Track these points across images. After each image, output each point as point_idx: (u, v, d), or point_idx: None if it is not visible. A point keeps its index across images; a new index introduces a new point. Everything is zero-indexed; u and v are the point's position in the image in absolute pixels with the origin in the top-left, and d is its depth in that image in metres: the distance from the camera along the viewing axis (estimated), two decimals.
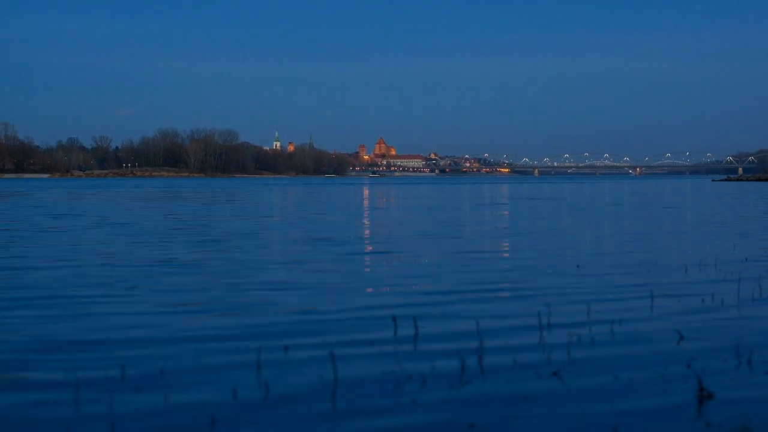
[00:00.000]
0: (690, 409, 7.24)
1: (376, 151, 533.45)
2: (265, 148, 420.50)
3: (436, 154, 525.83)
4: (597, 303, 12.55)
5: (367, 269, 18.01)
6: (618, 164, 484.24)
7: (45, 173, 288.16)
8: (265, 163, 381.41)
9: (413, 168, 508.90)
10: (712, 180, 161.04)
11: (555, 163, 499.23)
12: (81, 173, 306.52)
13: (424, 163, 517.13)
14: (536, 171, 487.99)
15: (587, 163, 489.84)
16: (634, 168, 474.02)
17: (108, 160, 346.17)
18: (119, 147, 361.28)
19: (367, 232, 29.87)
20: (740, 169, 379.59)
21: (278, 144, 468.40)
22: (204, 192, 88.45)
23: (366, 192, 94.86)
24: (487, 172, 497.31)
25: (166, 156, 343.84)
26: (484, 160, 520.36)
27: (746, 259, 18.59)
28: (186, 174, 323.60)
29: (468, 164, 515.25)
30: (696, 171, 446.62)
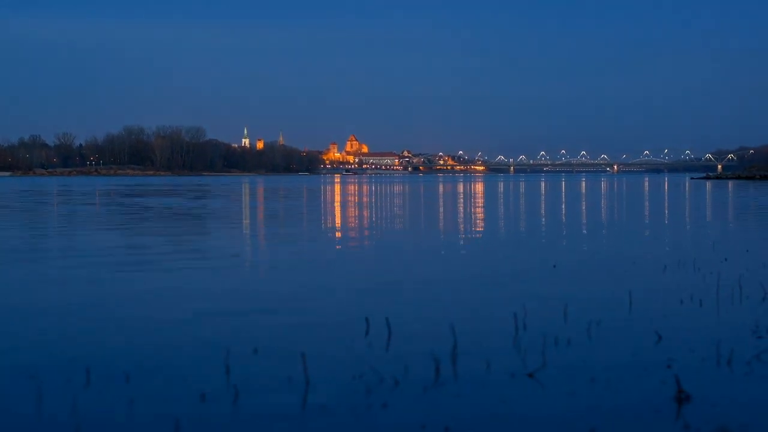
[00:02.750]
0: (668, 411, 7.28)
1: (348, 149, 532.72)
2: (233, 145, 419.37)
3: (409, 152, 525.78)
4: (573, 303, 12.59)
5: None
6: (595, 162, 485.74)
7: (6, 171, 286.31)
8: (234, 160, 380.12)
9: (386, 166, 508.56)
10: (691, 178, 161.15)
11: (531, 161, 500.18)
12: (44, 171, 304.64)
13: (397, 160, 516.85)
14: (512, 168, 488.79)
15: (564, 160, 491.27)
16: (611, 165, 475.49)
17: (71, 158, 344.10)
18: (83, 144, 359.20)
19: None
20: (719, 166, 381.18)
21: (247, 141, 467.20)
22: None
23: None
24: (461, 169, 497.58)
25: (131, 153, 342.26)
26: (459, 157, 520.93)
27: (726, 259, 18.68)
28: (152, 172, 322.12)
29: (442, 162, 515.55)
30: (674, 169, 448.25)
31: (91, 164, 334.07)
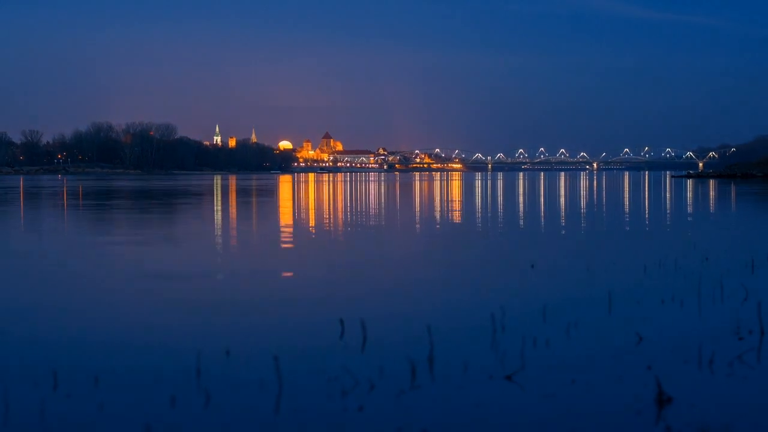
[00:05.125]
0: (649, 413, 7.30)
1: (322, 146, 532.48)
2: (205, 143, 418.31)
3: (384, 150, 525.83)
4: (552, 303, 12.61)
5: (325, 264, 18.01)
6: (574, 160, 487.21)
7: None
8: (206, 158, 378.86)
9: (361, 164, 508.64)
10: (672, 176, 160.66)
11: (509, 159, 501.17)
12: (10, 170, 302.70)
13: (372, 158, 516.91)
14: (490, 166, 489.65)
15: (542, 158, 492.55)
16: (590, 164, 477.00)
17: (39, 156, 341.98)
18: (50, 141, 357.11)
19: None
20: (701, 164, 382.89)
21: (219, 139, 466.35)
22: None
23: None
24: (438, 167, 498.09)
25: (100, 151, 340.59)
26: (436, 155, 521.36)
27: (707, 259, 18.74)
28: (121, 171, 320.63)
29: (418, 160, 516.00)
30: (655, 167, 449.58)
31: (58, 162, 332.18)
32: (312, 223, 34.45)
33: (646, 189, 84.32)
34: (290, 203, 53.35)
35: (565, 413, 7.33)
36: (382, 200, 58.99)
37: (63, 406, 7.53)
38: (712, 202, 53.18)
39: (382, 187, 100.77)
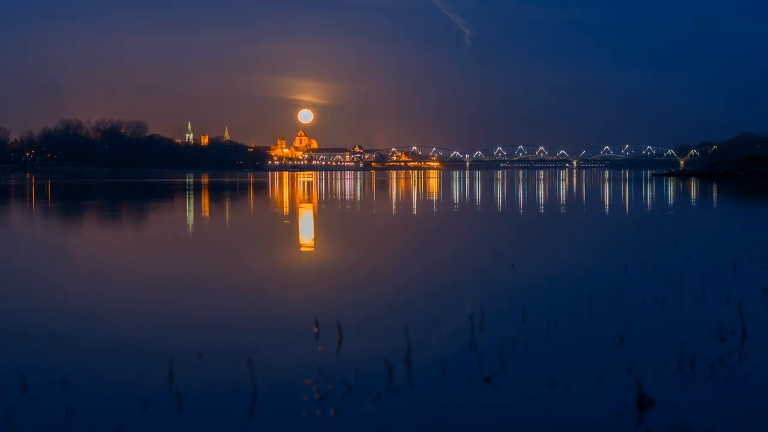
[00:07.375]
0: (630, 416, 7.31)
1: (297, 144, 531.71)
2: (177, 140, 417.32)
3: (360, 148, 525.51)
4: (532, 304, 12.62)
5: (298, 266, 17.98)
6: (554, 158, 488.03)
7: None
8: (178, 157, 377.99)
9: (337, 161, 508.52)
10: (653, 174, 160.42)
11: (487, 157, 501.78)
12: None
13: (348, 156, 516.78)
14: (468, 164, 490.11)
15: (521, 156, 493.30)
16: (570, 161, 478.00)
17: (5, 154, 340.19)
18: (18, 139, 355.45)
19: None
20: (682, 162, 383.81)
21: (191, 137, 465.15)
22: None
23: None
24: (415, 165, 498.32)
25: (69, 150, 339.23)
26: (413, 153, 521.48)
27: (688, 258, 18.80)
28: (91, 169, 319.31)
29: (395, 158, 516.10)
30: (636, 164, 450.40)
31: (26, 161, 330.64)
32: (285, 222, 34.40)
33: (627, 188, 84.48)
34: (266, 200, 53.26)
35: (545, 416, 7.33)
36: (359, 198, 58.94)
37: (32, 410, 7.50)
38: (693, 201, 53.35)
39: (358, 185, 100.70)
